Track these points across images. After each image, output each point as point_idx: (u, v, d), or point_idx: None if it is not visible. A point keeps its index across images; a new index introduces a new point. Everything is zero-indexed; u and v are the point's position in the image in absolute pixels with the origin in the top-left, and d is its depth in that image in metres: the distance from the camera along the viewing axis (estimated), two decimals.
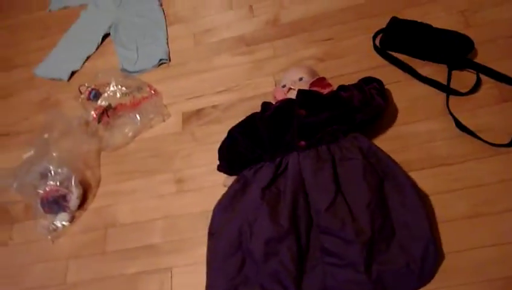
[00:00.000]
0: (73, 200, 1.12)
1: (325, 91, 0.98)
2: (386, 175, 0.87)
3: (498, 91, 1.03)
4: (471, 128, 0.98)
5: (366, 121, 0.96)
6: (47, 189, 1.12)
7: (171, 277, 0.97)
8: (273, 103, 1.04)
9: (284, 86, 1.04)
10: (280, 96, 1.02)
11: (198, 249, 0.95)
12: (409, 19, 1.16)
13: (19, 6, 1.83)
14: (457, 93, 1.04)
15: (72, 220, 1.12)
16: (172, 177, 1.12)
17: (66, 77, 1.44)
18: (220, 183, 1.03)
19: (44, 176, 1.14)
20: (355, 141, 0.90)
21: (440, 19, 1.18)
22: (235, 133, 1.00)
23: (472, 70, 1.06)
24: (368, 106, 0.95)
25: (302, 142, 0.91)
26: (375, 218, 0.82)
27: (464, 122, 0.99)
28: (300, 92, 0.96)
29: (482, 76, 1.05)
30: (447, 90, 1.04)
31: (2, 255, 1.13)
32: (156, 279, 0.97)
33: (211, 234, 0.91)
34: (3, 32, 1.72)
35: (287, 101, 0.97)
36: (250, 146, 0.97)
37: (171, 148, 1.17)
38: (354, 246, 0.80)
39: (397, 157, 0.96)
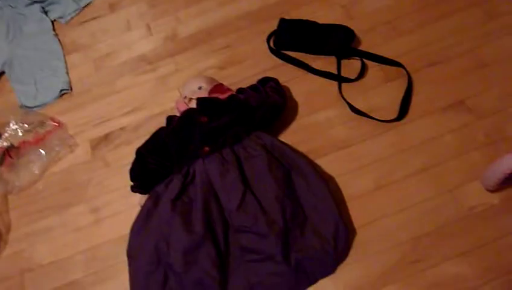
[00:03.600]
0: None
1: (225, 96, 1.01)
2: (291, 166, 0.91)
3: (383, 73, 1.13)
4: (364, 109, 1.06)
5: (266, 119, 0.99)
6: None
7: None
8: (174, 115, 1.05)
9: (185, 97, 1.06)
10: (182, 108, 1.03)
11: (121, 275, 0.92)
12: (296, 18, 1.23)
13: None
14: (347, 80, 1.12)
15: None
16: (87, 207, 1.08)
17: None
18: (136, 204, 1.02)
19: None
20: (258, 139, 0.94)
21: (325, 16, 1.26)
22: (143, 151, 0.99)
23: (358, 58, 1.15)
24: (264, 104, 0.99)
25: (206, 148, 0.92)
26: (286, 207, 0.86)
27: (356, 105, 1.07)
28: (199, 99, 0.98)
29: (367, 61, 1.14)
30: (338, 78, 1.12)
31: None
32: None
33: (130, 257, 0.89)
34: None
35: (188, 111, 0.98)
36: (160, 162, 0.97)
37: (82, 178, 1.14)
38: (268, 238, 0.83)
39: (303, 147, 1.02)
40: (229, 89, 1.07)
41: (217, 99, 0.98)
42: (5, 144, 1.22)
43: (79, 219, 1.07)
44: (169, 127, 0.99)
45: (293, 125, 1.08)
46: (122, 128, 1.20)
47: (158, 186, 0.94)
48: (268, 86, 1.05)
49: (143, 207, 0.93)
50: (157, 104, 1.22)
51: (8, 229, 1.10)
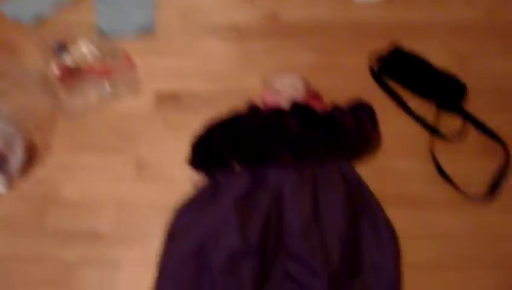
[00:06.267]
0: (15, 163, 0.99)
1: (318, 107, 0.93)
2: (365, 211, 0.84)
3: (481, 142, 1.03)
4: (449, 173, 0.97)
5: (354, 149, 0.92)
6: None
7: (115, 272, 0.88)
8: (260, 106, 0.97)
9: (276, 91, 0.98)
10: (270, 102, 0.96)
11: (150, 246, 0.86)
12: (408, 49, 1.13)
13: None
14: (442, 136, 1.03)
15: (9, 185, 0.99)
16: (132, 160, 1.02)
17: (32, 21, 1.28)
18: (186, 178, 0.95)
19: None
20: (341, 168, 0.87)
21: (437, 58, 1.15)
22: (213, 130, 0.93)
23: (459, 116, 1.05)
24: (359, 132, 0.92)
25: (287, 157, 0.85)
26: (346, 252, 0.79)
27: (443, 166, 0.98)
28: (296, 104, 0.91)
29: (468, 123, 1.05)
30: (432, 130, 1.03)
31: None
32: (97, 272, 0.88)
33: (170, 236, 0.83)
34: None
35: (278, 110, 0.91)
36: (227, 148, 0.90)
37: (137, 128, 1.07)
38: (318, 277, 0.76)
39: (372, 188, 0.94)
40: (322, 100, 0.99)
41: (313, 109, 0.91)
42: (70, 61, 1.15)
43: (120, 169, 1.01)
44: (251, 118, 0.92)
45: (369, 161, 0.99)
46: (192, 93, 1.12)
47: (219, 174, 0.87)
48: (364, 112, 0.96)
49: (199, 191, 0.87)
50: (236, 80, 1.14)
51: (47, 151, 1.04)
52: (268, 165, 0.85)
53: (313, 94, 0.98)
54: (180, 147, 0.97)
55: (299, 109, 0.90)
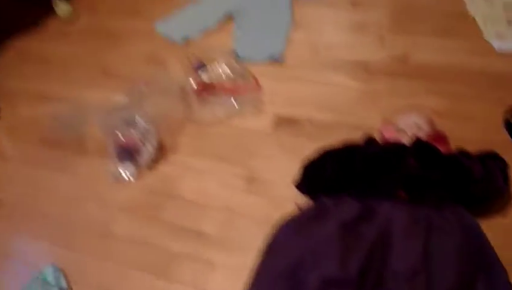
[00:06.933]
0: (146, 157, 1.12)
1: (443, 149, 0.88)
2: (483, 267, 0.75)
3: None
4: None
5: (479, 199, 0.84)
6: (126, 137, 1.13)
7: (209, 272, 0.92)
8: (378, 140, 0.95)
9: (397, 128, 0.95)
10: (390, 136, 0.94)
11: (247, 256, 0.88)
12: None
13: None
14: None
15: (136, 175, 1.11)
16: (244, 172, 1.08)
17: (180, 40, 1.46)
18: (292, 198, 0.97)
19: (128, 123, 1.15)
20: (460, 216, 0.79)
21: None
22: (327, 157, 0.93)
23: None
24: (488, 183, 0.83)
25: (403, 194, 0.81)
26: None
27: None
28: (418, 141, 0.87)
29: None
30: None
31: (64, 181, 1.16)
32: (194, 268, 0.94)
33: (268, 251, 0.84)
34: None
35: (399, 145, 0.88)
36: (339, 175, 0.90)
37: (253, 145, 1.13)
38: None
39: (496, 247, 0.83)
40: (448, 143, 0.94)
41: (436, 149, 0.86)
42: (206, 77, 1.28)
43: (231, 179, 1.07)
44: (369, 149, 0.90)
45: (496, 219, 0.89)
46: (310, 121, 1.15)
47: (327, 198, 0.87)
48: (495, 164, 0.88)
49: (304, 211, 0.87)
50: (355, 116, 1.14)
51: (174, 150, 1.16)
52: (381, 199, 0.82)
53: (438, 135, 0.93)
54: (291, 168, 1.00)
55: (421, 147, 0.86)
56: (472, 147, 0.96)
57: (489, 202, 0.87)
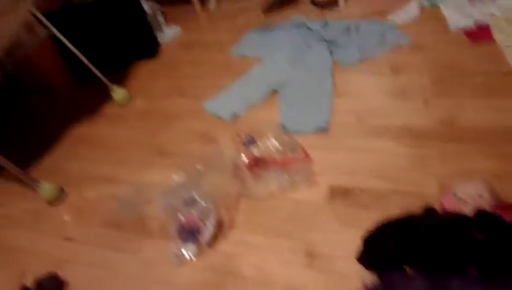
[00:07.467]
0: (207, 235, 1.15)
1: (508, 218, 0.86)
2: None
3: None
4: None
5: None
6: (187, 217, 1.18)
7: None
8: (437, 210, 0.95)
9: (458, 198, 0.95)
10: (451, 207, 0.93)
11: None
12: None
13: (202, 46, 2.08)
14: None
15: (198, 254, 1.14)
16: (302, 247, 1.08)
17: (229, 117, 1.55)
18: (356, 274, 0.96)
19: (188, 203, 1.21)
20: None
21: None
22: (387, 229, 0.93)
23: None
24: None
25: (473, 271, 0.79)
26: None
27: None
28: (482, 213, 0.86)
29: None
30: None
31: (127, 263, 1.20)
32: None
33: None
34: (189, 65, 1.95)
35: (461, 217, 0.87)
36: (400, 248, 0.89)
37: (309, 217, 1.15)
38: None
39: None
40: None
41: (502, 220, 0.84)
42: (257, 152, 1.33)
43: (292, 254, 1.08)
44: (429, 222, 0.90)
45: None
46: (363, 190, 1.17)
47: (394, 275, 0.86)
48: None
49: (369, 287, 0.86)
50: (408, 182, 1.15)
51: (231, 227, 1.19)
52: (451, 276, 0.80)
53: (502, 204, 0.92)
54: (351, 241, 1.00)
55: (487, 218, 0.85)
56: None
57: None
